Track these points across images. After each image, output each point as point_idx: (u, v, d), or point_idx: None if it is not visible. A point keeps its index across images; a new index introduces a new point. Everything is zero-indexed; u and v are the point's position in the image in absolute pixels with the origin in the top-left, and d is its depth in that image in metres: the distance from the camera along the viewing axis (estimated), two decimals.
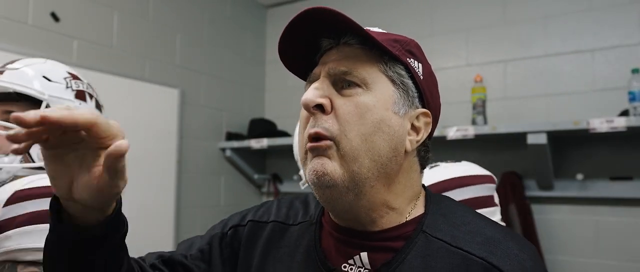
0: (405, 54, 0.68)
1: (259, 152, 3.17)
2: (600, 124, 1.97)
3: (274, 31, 3.39)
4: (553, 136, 2.15)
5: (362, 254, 0.66)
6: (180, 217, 2.66)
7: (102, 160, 0.51)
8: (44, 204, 0.82)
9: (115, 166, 0.50)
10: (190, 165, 2.79)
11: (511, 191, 2.34)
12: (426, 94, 0.69)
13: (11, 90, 0.96)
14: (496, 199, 1.13)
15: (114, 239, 0.60)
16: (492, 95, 2.49)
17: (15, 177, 0.93)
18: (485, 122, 2.35)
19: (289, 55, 0.72)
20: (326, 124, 0.64)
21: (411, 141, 0.67)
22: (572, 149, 2.31)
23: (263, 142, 2.85)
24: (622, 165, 2.20)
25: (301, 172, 1.24)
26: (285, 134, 3.00)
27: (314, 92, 0.65)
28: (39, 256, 0.81)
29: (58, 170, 0.53)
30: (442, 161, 1.16)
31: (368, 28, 0.70)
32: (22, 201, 0.84)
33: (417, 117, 0.68)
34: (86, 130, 0.50)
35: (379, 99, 0.64)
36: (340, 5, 3.33)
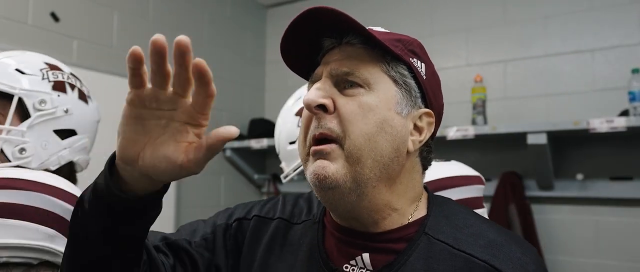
0: (407, 53, 0.68)
1: (259, 152, 3.17)
2: (600, 124, 1.97)
3: (274, 31, 3.39)
4: (553, 136, 2.15)
5: (364, 255, 0.66)
6: (180, 217, 2.66)
7: (189, 136, 0.51)
8: (2, 197, 0.78)
9: (218, 148, 0.50)
10: None
11: (511, 191, 2.34)
12: (429, 94, 0.69)
13: None
14: (483, 201, 1.13)
15: (151, 216, 0.60)
16: (492, 95, 2.49)
17: None
18: (485, 122, 2.35)
19: (292, 54, 0.71)
20: (330, 124, 0.63)
21: (414, 141, 0.67)
22: (572, 149, 2.31)
23: (263, 142, 2.85)
24: (622, 165, 2.20)
25: (283, 164, 1.21)
26: None
27: (316, 93, 0.64)
28: None
29: (136, 132, 0.52)
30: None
31: (371, 27, 0.69)
32: None
33: (420, 117, 0.68)
34: (199, 81, 0.49)
35: (381, 99, 0.64)
36: (341, 5, 3.32)
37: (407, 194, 0.68)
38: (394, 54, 0.66)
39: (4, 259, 0.78)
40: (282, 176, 1.23)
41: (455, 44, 2.68)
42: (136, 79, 0.51)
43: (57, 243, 0.80)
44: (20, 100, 0.92)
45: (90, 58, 2.26)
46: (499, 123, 2.31)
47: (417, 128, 0.68)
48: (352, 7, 2.98)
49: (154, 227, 0.66)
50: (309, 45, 0.70)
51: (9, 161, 0.91)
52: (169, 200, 2.61)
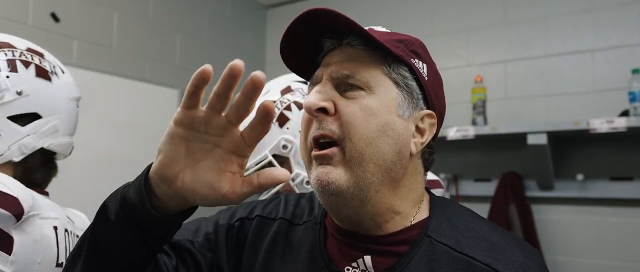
0: (409, 54, 0.67)
1: None
2: (600, 125, 1.97)
3: (274, 31, 3.39)
4: (553, 136, 2.15)
5: (365, 257, 0.66)
6: None
7: (234, 166, 0.52)
8: None
9: (268, 188, 0.51)
10: None
11: (511, 191, 2.34)
12: (431, 95, 0.68)
13: None
14: None
15: (175, 232, 0.60)
16: (492, 95, 2.49)
17: None
18: (486, 122, 2.34)
19: (291, 56, 0.71)
20: (331, 126, 0.63)
21: (416, 144, 0.66)
22: (572, 150, 2.31)
23: None
24: (623, 165, 2.20)
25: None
26: None
27: (316, 96, 0.64)
28: None
29: (179, 153, 0.51)
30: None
31: (372, 27, 0.69)
32: None
33: (422, 119, 0.67)
34: (261, 119, 0.49)
35: (382, 103, 0.63)
36: (341, 6, 3.33)
37: (409, 196, 0.67)
38: (395, 55, 0.65)
39: None
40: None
41: (456, 44, 2.68)
42: (193, 99, 0.49)
43: None
44: None
45: (90, 58, 2.26)
46: (499, 123, 2.31)
47: (419, 130, 0.67)
48: (353, 7, 2.98)
49: None
50: (309, 46, 0.69)
51: None
52: None
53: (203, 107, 0.50)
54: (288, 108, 1.14)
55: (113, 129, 2.31)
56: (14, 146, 0.87)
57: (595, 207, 2.26)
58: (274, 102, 1.14)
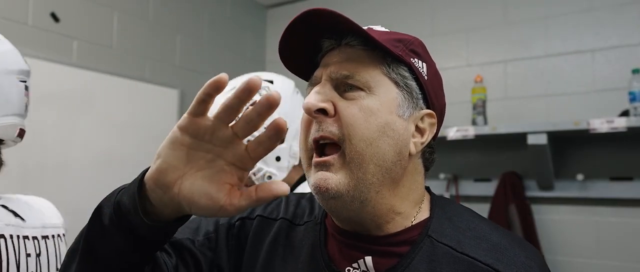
0: (408, 54, 0.66)
1: None
2: (600, 125, 1.97)
3: (274, 31, 3.39)
4: (553, 136, 2.15)
5: (366, 258, 0.65)
6: None
7: (233, 178, 0.51)
8: None
9: (267, 202, 0.50)
10: None
11: (511, 191, 2.34)
12: (431, 94, 0.68)
13: None
14: None
15: (170, 237, 0.60)
16: (492, 95, 2.49)
17: None
18: (486, 122, 2.34)
19: (290, 56, 0.70)
20: (331, 127, 0.63)
21: (416, 144, 0.66)
22: (572, 150, 2.31)
23: None
24: (623, 165, 2.20)
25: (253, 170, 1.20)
26: None
27: (315, 97, 0.63)
28: None
29: (179, 159, 0.50)
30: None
31: (371, 26, 0.69)
32: None
33: (422, 119, 0.67)
34: (270, 136, 0.49)
35: (382, 103, 0.63)
36: (341, 6, 3.31)
37: (410, 196, 0.67)
38: (395, 55, 0.65)
39: None
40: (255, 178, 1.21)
41: (456, 44, 2.68)
42: (202, 107, 0.48)
43: None
44: None
45: (90, 58, 2.26)
46: (499, 123, 2.31)
47: (418, 130, 0.67)
48: (353, 7, 2.98)
49: None
50: (308, 46, 0.69)
51: None
52: None
53: (211, 116, 0.49)
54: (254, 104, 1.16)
55: (113, 129, 2.31)
56: None
57: (595, 207, 2.26)
58: None
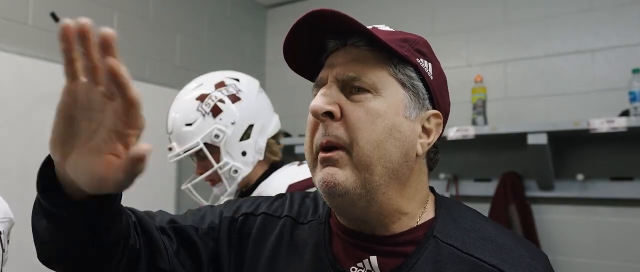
0: (414, 54, 0.66)
1: None
2: (600, 124, 1.97)
3: (274, 31, 3.39)
4: (553, 136, 2.15)
5: (371, 258, 0.65)
6: None
7: (117, 147, 0.45)
8: None
9: (138, 167, 0.44)
10: (190, 165, 2.78)
11: (511, 191, 2.34)
12: (436, 94, 0.67)
13: None
14: None
15: (102, 220, 0.57)
16: (492, 95, 2.49)
17: None
18: (486, 122, 2.34)
19: (294, 57, 0.70)
20: (337, 132, 0.62)
21: (422, 144, 0.66)
22: (572, 150, 2.31)
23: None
24: (623, 165, 2.20)
25: (173, 144, 1.22)
26: (285, 134, 3.00)
27: (322, 99, 0.63)
28: None
29: (66, 132, 0.46)
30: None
31: (376, 26, 0.68)
32: None
33: (428, 119, 0.67)
34: (126, 104, 0.43)
35: (389, 105, 0.63)
36: (342, 5, 3.31)
37: (416, 197, 0.67)
38: (401, 56, 0.64)
39: None
40: (170, 156, 1.24)
41: (456, 44, 2.68)
42: (69, 68, 0.44)
43: None
44: None
45: None
46: (499, 123, 2.31)
47: (425, 130, 0.66)
48: (353, 7, 2.98)
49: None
50: (312, 46, 0.69)
51: None
52: (169, 200, 2.61)
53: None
54: (221, 101, 1.22)
55: None
56: None
57: (595, 207, 2.26)
58: (208, 94, 1.20)
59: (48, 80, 2.06)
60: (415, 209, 0.67)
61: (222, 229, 0.77)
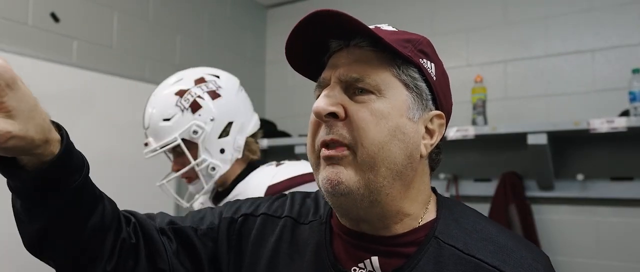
0: (417, 54, 0.66)
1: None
2: (600, 125, 1.97)
3: (274, 31, 3.39)
4: (553, 136, 2.15)
5: (373, 258, 0.65)
6: None
7: None
8: None
9: None
10: None
11: (511, 191, 2.34)
12: (440, 95, 0.67)
13: None
14: None
15: (65, 183, 0.60)
16: (492, 95, 2.49)
17: None
18: (486, 122, 2.34)
19: (296, 57, 0.70)
20: (342, 131, 0.62)
21: (426, 145, 0.66)
22: (572, 150, 2.31)
23: (263, 143, 2.84)
24: (623, 165, 2.20)
25: (149, 139, 1.21)
26: (285, 135, 3.00)
27: (325, 100, 0.63)
28: None
29: None
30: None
31: (378, 26, 0.68)
32: None
33: (431, 120, 0.66)
34: None
35: (393, 106, 0.63)
36: (342, 5, 3.32)
37: (419, 198, 0.67)
38: (404, 56, 0.64)
39: None
40: (145, 151, 1.22)
41: (456, 44, 2.68)
42: None
43: None
44: None
45: (90, 58, 2.26)
46: (499, 123, 2.31)
47: (428, 131, 0.66)
48: (353, 7, 2.98)
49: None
50: (315, 46, 0.68)
51: None
52: (169, 200, 2.60)
53: None
54: (201, 97, 1.19)
55: (113, 129, 2.31)
56: None
57: (596, 207, 2.26)
58: (188, 90, 1.19)
59: (48, 80, 2.07)
60: (418, 210, 0.67)
61: (221, 229, 0.77)
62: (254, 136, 1.31)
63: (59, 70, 2.09)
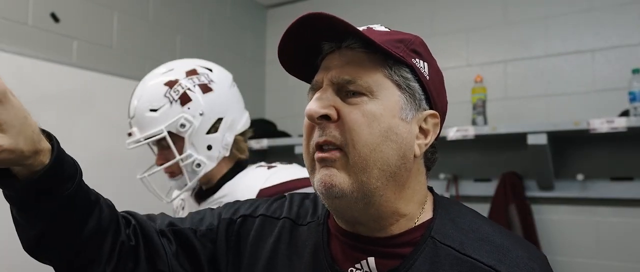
0: (410, 54, 0.66)
1: (259, 153, 3.17)
2: (600, 125, 1.97)
3: (274, 31, 3.39)
4: (553, 136, 2.15)
5: (369, 259, 0.65)
6: None
7: None
8: None
9: None
10: None
11: (511, 191, 2.34)
12: (433, 94, 0.67)
13: None
14: None
15: (59, 190, 0.60)
16: (492, 95, 2.49)
17: None
18: (486, 122, 2.34)
19: (289, 59, 0.70)
20: (335, 132, 0.62)
21: (420, 145, 0.66)
22: (572, 150, 2.31)
23: (263, 143, 2.84)
24: (623, 165, 2.20)
25: (134, 129, 1.17)
26: (285, 135, 3.00)
27: (317, 103, 0.63)
28: None
29: None
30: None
31: (371, 26, 0.68)
32: None
33: (425, 120, 0.66)
34: None
35: (385, 107, 0.63)
36: (341, 6, 3.30)
37: (414, 198, 0.67)
38: (396, 57, 0.64)
39: None
40: (128, 141, 1.17)
41: (456, 44, 2.68)
42: None
43: None
44: None
45: (90, 58, 2.26)
46: (499, 123, 2.31)
47: (422, 131, 0.66)
48: (353, 7, 2.98)
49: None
50: (307, 49, 0.69)
51: None
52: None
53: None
54: (191, 89, 1.15)
55: (113, 129, 2.31)
56: None
57: (595, 207, 2.26)
58: (178, 81, 1.15)
59: (48, 80, 2.07)
60: (414, 210, 0.67)
61: (220, 230, 0.78)
62: (243, 134, 1.27)
63: (59, 70, 2.09)
